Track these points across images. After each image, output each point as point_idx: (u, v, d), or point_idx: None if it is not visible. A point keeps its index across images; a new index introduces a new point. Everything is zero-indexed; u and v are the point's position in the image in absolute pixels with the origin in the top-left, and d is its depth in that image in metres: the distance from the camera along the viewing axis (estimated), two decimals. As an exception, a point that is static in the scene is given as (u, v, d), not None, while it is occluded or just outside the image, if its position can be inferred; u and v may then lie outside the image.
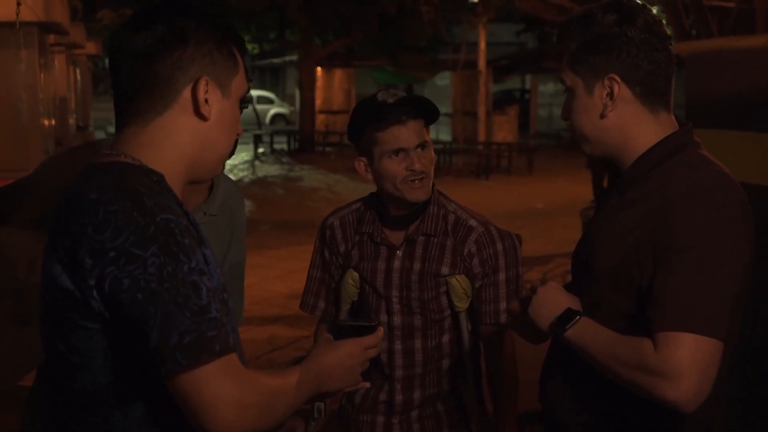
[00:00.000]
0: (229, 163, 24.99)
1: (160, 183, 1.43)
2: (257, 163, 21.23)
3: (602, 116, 1.80)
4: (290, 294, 7.89)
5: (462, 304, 2.37)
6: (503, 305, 2.38)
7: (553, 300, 1.80)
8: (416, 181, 2.29)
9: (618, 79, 1.77)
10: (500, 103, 28.09)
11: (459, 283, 2.35)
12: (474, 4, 20.38)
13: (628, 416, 1.78)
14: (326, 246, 2.50)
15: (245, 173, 18.89)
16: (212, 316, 1.33)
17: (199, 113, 1.49)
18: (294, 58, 27.98)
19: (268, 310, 7.44)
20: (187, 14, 1.49)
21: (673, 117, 1.84)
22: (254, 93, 34.71)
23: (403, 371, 2.38)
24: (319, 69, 24.75)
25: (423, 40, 23.20)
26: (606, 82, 1.78)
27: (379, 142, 2.30)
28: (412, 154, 2.27)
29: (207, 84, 1.49)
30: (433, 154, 2.35)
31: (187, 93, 1.48)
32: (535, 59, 28.46)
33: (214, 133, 1.53)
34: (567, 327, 1.74)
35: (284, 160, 21.98)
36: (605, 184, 10.05)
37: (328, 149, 24.17)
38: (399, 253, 2.38)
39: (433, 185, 2.40)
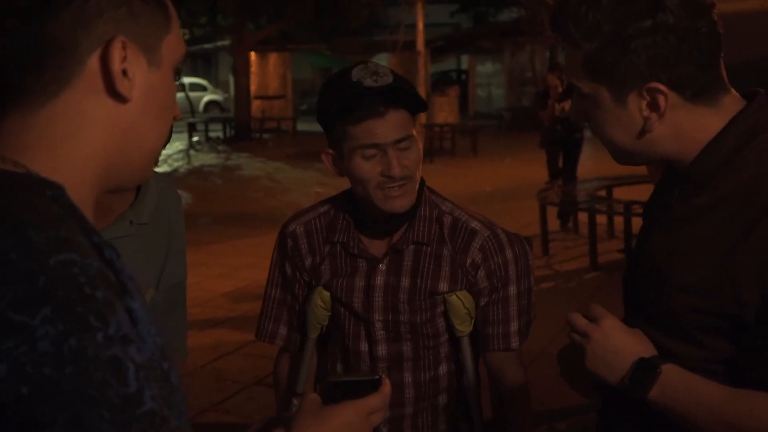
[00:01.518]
0: (162, 152, 25.10)
1: (59, 200, 0.92)
2: (192, 152, 20.57)
3: (645, 131, 1.34)
4: (234, 293, 7.39)
5: (464, 327, 1.90)
6: (515, 326, 1.92)
7: (617, 345, 1.34)
8: (394, 188, 1.79)
9: (663, 88, 1.30)
10: (438, 84, 27.79)
11: (461, 301, 1.87)
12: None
13: None
14: (287, 259, 1.99)
15: (180, 163, 18.23)
16: (146, 409, 0.83)
17: (114, 92, 0.98)
18: (226, 43, 27.29)
19: (211, 312, 6.88)
20: None
21: (733, 90, 1.38)
22: (186, 80, 33.89)
23: (390, 411, 1.90)
24: (253, 54, 24.15)
25: (360, 23, 22.69)
26: (645, 93, 1.31)
27: (349, 136, 1.79)
28: (390, 154, 1.77)
29: (124, 48, 0.98)
30: (419, 151, 1.83)
31: (94, 62, 0.97)
32: (472, 39, 28.32)
33: (139, 120, 1.01)
34: (648, 385, 1.28)
35: (221, 148, 21.35)
36: (560, 164, 9.72)
37: (265, 136, 23.68)
38: (382, 266, 1.89)
39: (422, 182, 1.92)
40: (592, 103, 1.36)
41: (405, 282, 1.88)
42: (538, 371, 4.71)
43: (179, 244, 1.96)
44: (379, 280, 1.89)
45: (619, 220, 8.67)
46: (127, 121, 1.01)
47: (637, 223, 8.28)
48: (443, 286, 1.87)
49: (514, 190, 12.42)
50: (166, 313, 1.92)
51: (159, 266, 1.89)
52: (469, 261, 1.88)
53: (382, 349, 1.90)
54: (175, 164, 17.98)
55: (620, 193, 9.10)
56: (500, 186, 13.22)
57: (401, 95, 1.77)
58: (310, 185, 13.73)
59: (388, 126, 1.77)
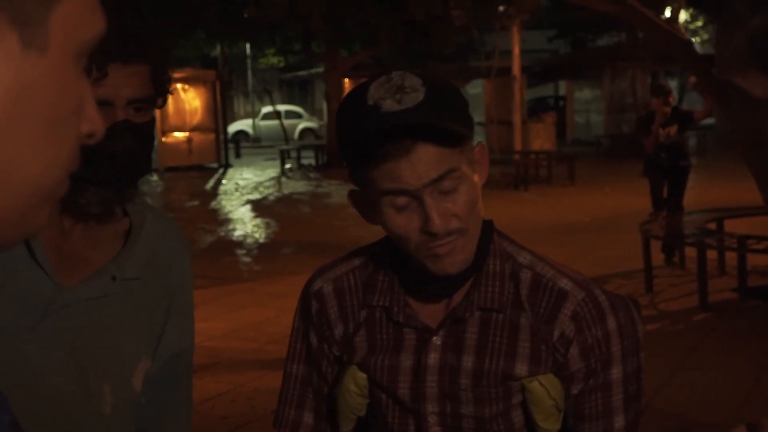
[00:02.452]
0: (254, 179, 25.24)
1: None
2: (284, 179, 20.43)
3: None
4: (312, 329, 6.98)
5: (551, 425, 1.39)
6: (620, 422, 1.40)
7: None
8: (439, 248, 1.31)
9: None
10: (535, 110, 27.18)
11: (545, 389, 1.36)
12: (506, 10, 19.50)
13: None
14: (312, 327, 1.51)
15: (270, 190, 18.08)
16: None
17: None
18: (320, 70, 27.27)
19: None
20: None
21: None
22: (282, 108, 34.12)
23: None
24: (346, 80, 23.95)
25: (453, 47, 22.29)
26: None
27: (371, 180, 1.31)
28: (426, 203, 1.28)
29: None
30: (473, 189, 1.32)
31: None
32: (571, 65, 27.67)
33: (3, 139, 0.57)
34: None
35: (312, 175, 21.18)
36: (665, 194, 9.06)
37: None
38: (436, 340, 1.39)
39: (490, 225, 1.43)
40: (763, 107, 0.84)
41: (468, 362, 1.37)
42: (641, 429, 4.11)
43: (184, 303, 1.51)
44: (433, 358, 1.39)
45: (731, 256, 7.98)
46: None
47: (753, 259, 7.63)
48: (521, 369, 1.36)
49: (614, 220, 11.71)
50: (163, 389, 1.47)
51: (155, 331, 1.45)
52: (557, 334, 1.36)
53: None
54: (265, 191, 17.83)
55: (732, 226, 8.38)
56: (599, 216, 12.51)
57: (433, 113, 1.25)
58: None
59: (418, 165, 1.27)
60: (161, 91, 1.35)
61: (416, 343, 1.40)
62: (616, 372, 1.39)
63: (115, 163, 1.27)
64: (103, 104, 1.24)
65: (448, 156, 1.28)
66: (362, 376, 1.43)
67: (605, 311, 1.37)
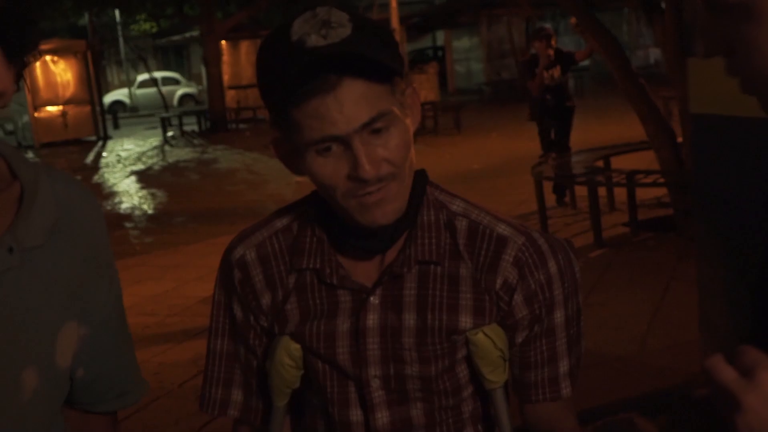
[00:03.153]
0: (135, 150, 24.63)
1: None
2: (167, 147, 19.91)
3: None
4: (214, 298, 6.83)
5: (497, 376, 1.33)
6: (564, 366, 1.36)
7: None
8: (368, 195, 1.23)
9: None
10: (416, 62, 27.23)
11: (491, 339, 1.30)
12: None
13: None
14: (236, 298, 1.40)
15: (154, 160, 17.59)
16: None
17: None
18: (196, 33, 26.59)
19: (190, 321, 6.29)
20: None
21: None
22: (158, 74, 33.19)
23: None
24: (223, 43, 23.45)
25: (333, 3, 22.07)
26: None
27: (296, 124, 1.21)
28: (355, 147, 1.20)
29: None
30: (405, 132, 1.24)
31: None
32: (447, 14, 27.77)
33: None
34: None
35: (196, 142, 20.72)
36: (552, 136, 9.20)
37: (242, 126, 23.10)
38: (374, 299, 1.31)
39: (423, 174, 1.35)
40: (742, 17, 0.79)
41: (410, 320, 1.30)
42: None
43: (105, 258, 1.37)
44: (372, 319, 1.30)
45: (620, 192, 8.19)
46: None
47: (641, 193, 7.83)
48: (465, 322, 1.30)
49: (504, 166, 11.87)
50: (106, 350, 1.35)
51: (76, 296, 1.31)
52: (499, 282, 1.30)
53: (382, 417, 1.32)
54: (149, 161, 17.34)
55: (618, 163, 8.59)
56: (489, 163, 12.66)
57: (361, 51, 1.16)
58: (290, 175, 13.09)
59: (345, 105, 1.17)
60: (17, 61, 1.20)
61: (352, 305, 1.32)
62: (558, 316, 1.34)
63: None
64: None
65: (378, 96, 1.19)
66: (296, 347, 1.34)
67: (546, 255, 1.32)
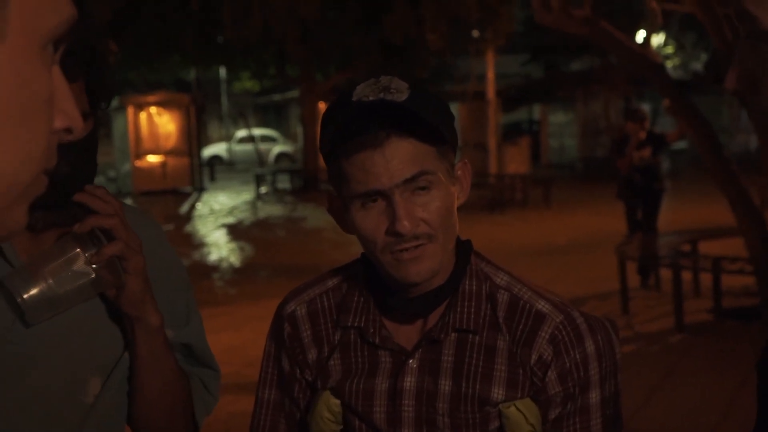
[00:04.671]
0: (229, 203, 25.02)
1: None
2: (259, 203, 20.35)
3: None
4: (288, 354, 6.92)
5: None
6: None
7: None
8: (404, 252, 1.28)
9: None
10: (509, 135, 27.31)
11: (522, 414, 1.34)
12: (481, 35, 19.64)
13: None
14: (284, 350, 1.47)
15: (246, 214, 17.99)
16: None
17: None
18: (295, 94, 27.27)
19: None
20: None
21: None
22: (257, 131, 34.07)
23: None
24: (321, 104, 23.97)
25: (428, 71, 22.39)
26: None
27: (344, 177, 1.29)
28: (396, 201, 1.26)
29: None
30: (447, 197, 1.30)
31: None
32: (544, 88, 27.86)
33: None
34: None
35: (287, 199, 21.12)
36: (639, 216, 9.11)
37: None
38: (412, 363, 1.36)
39: (468, 244, 1.41)
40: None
41: (445, 386, 1.35)
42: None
43: (172, 287, 1.50)
44: (409, 382, 1.36)
45: (705, 277, 8.02)
46: None
47: (727, 280, 7.66)
48: (498, 393, 1.34)
49: (589, 243, 11.75)
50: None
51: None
52: (534, 357, 1.34)
53: None
54: (240, 215, 17.74)
55: (706, 248, 8.43)
56: (575, 238, 12.55)
57: (414, 115, 1.23)
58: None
59: (390, 161, 1.25)
60: (102, 97, 1.33)
61: (392, 366, 1.37)
62: (594, 396, 1.37)
63: (57, 188, 1.25)
64: None
65: (424, 156, 1.27)
66: (336, 402, 1.40)
67: (583, 334, 1.36)
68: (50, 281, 1.23)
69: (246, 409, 5.83)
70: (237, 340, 7.28)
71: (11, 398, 1.26)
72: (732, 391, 5.52)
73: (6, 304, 1.25)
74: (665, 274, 8.32)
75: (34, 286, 1.22)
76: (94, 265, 1.25)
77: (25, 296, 1.21)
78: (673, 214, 12.03)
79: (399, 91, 1.25)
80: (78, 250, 1.24)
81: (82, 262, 1.24)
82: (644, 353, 6.63)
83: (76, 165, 1.27)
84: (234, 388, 5.93)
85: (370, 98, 1.24)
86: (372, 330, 1.38)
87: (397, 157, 1.25)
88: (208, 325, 6.50)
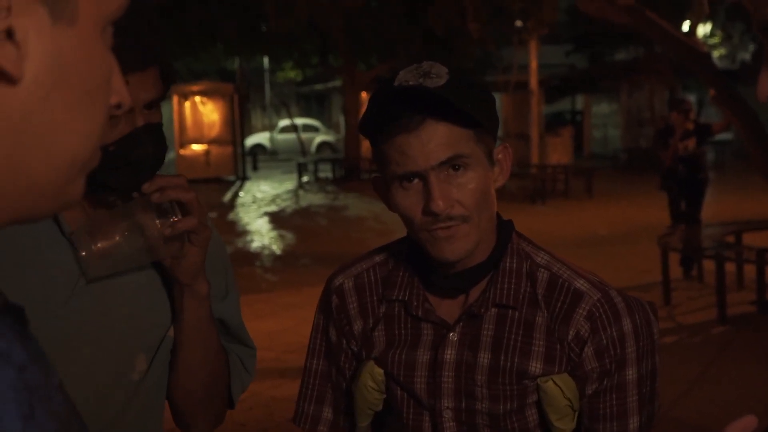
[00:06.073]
0: (271, 192, 25.05)
1: None
2: (301, 192, 20.49)
3: None
4: (329, 340, 6.99)
5: (565, 424, 1.40)
6: (634, 423, 1.41)
7: None
8: (439, 230, 1.33)
9: None
10: (552, 125, 27.16)
11: (560, 388, 1.38)
12: (524, 25, 19.54)
13: None
14: (332, 322, 1.54)
15: (288, 203, 18.13)
16: None
17: None
18: (338, 84, 27.36)
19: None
20: None
21: None
22: (299, 121, 34.26)
23: None
24: (363, 93, 24.04)
25: (471, 61, 22.33)
26: None
27: (386, 158, 1.35)
28: (431, 182, 1.31)
29: None
30: (483, 179, 1.34)
31: None
32: (588, 79, 27.64)
33: (40, 110, 0.59)
34: None
35: (329, 188, 21.23)
36: (683, 207, 9.04)
37: (374, 176, 23.47)
38: (453, 336, 1.41)
39: (509, 225, 1.45)
40: None
41: (484, 358, 1.39)
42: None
43: (218, 271, 1.56)
44: (450, 354, 1.40)
45: (749, 269, 7.95)
46: (19, 112, 0.59)
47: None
48: (536, 367, 1.38)
49: (631, 234, 11.68)
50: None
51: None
52: (572, 333, 1.38)
53: None
54: (283, 204, 17.88)
55: (750, 239, 8.35)
56: (617, 230, 12.48)
57: (449, 91, 1.27)
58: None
59: (425, 143, 1.30)
60: (168, 85, 1.39)
61: (433, 338, 1.43)
62: (630, 373, 1.40)
63: (137, 171, 1.30)
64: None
65: (459, 140, 1.31)
66: (379, 371, 1.45)
67: (620, 312, 1.39)
68: (117, 239, 1.28)
69: (288, 394, 5.93)
70: (278, 326, 7.37)
71: (62, 374, 1.30)
72: (774, 384, 5.49)
73: (66, 265, 1.30)
74: (708, 265, 8.26)
75: (100, 241, 1.27)
76: (164, 235, 1.30)
77: (93, 248, 1.26)
78: (717, 206, 11.92)
79: (438, 76, 1.29)
80: (153, 217, 1.29)
81: (154, 230, 1.29)
82: (686, 344, 6.60)
83: (157, 145, 1.33)
84: (276, 373, 6.02)
85: (410, 83, 1.29)
86: (415, 303, 1.43)
87: (433, 141, 1.30)
88: (250, 311, 6.66)
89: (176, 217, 1.30)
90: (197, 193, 1.34)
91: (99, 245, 1.27)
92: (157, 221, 1.29)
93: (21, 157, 0.59)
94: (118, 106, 0.66)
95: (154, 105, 1.34)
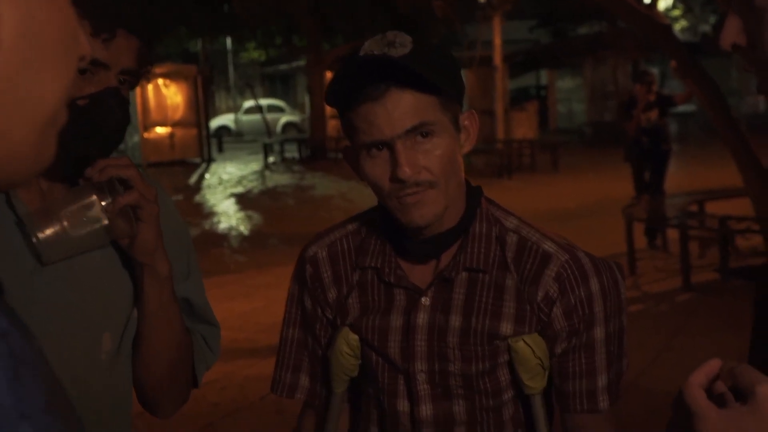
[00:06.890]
0: (237, 173, 24.94)
1: None
2: (267, 172, 20.43)
3: None
4: (300, 318, 7.00)
5: (536, 383, 1.44)
6: (603, 380, 1.45)
7: None
8: (407, 197, 1.36)
9: None
10: (517, 100, 27.27)
11: (530, 348, 1.41)
12: (488, 1, 19.54)
13: None
14: (307, 291, 1.56)
15: (254, 184, 18.07)
16: None
17: None
18: (302, 63, 27.22)
19: (277, 338, 6.43)
20: None
21: None
22: (264, 102, 34.04)
23: None
24: (328, 73, 23.94)
25: (437, 39, 22.30)
26: None
27: (353, 127, 1.37)
28: (397, 149, 1.33)
29: None
30: (448, 146, 1.36)
31: None
32: (552, 54, 27.74)
33: (18, 73, 0.60)
34: None
35: (295, 168, 21.18)
36: (647, 178, 9.14)
37: (340, 155, 23.45)
38: (425, 300, 1.44)
39: (479, 191, 1.48)
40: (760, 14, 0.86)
41: (456, 321, 1.42)
42: (625, 407, 4.18)
43: (178, 248, 1.54)
44: (422, 318, 1.43)
45: (712, 237, 8.07)
46: (1, 80, 0.59)
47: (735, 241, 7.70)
48: (506, 328, 1.41)
49: (598, 206, 11.80)
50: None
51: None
52: (540, 294, 1.41)
53: (426, 410, 1.45)
54: (249, 185, 17.82)
55: (713, 208, 8.47)
56: (583, 202, 12.60)
57: (413, 68, 1.28)
58: (384, 204, 13.34)
59: (391, 111, 1.32)
60: (143, 72, 1.38)
61: (406, 304, 1.45)
62: (598, 332, 1.43)
63: (102, 137, 1.29)
64: (101, 66, 1.27)
65: (425, 107, 1.33)
66: (354, 337, 1.48)
67: (588, 273, 1.42)
68: (65, 224, 1.27)
69: (261, 372, 5.94)
70: (249, 306, 7.37)
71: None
72: (739, 350, 5.57)
73: (25, 245, 1.30)
74: (672, 235, 8.37)
75: (49, 227, 1.26)
76: (108, 213, 1.29)
77: (41, 236, 1.26)
78: (681, 177, 12.07)
79: (403, 45, 1.31)
80: (94, 197, 1.28)
81: (97, 209, 1.28)
82: (652, 313, 6.70)
83: (124, 112, 1.32)
84: (248, 353, 6.03)
85: (375, 53, 1.30)
86: (388, 270, 1.46)
87: (398, 109, 1.32)
88: (221, 292, 6.68)
89: (120, 194, 1.30)
90: (155, 176, 1.31)
91: (47, 231, 1.26)
92: (102, 202, 1.29)
93: (3, 124, 0.60)
94: (82, 58, 0.66)
95: (128, 79, 1.33)
